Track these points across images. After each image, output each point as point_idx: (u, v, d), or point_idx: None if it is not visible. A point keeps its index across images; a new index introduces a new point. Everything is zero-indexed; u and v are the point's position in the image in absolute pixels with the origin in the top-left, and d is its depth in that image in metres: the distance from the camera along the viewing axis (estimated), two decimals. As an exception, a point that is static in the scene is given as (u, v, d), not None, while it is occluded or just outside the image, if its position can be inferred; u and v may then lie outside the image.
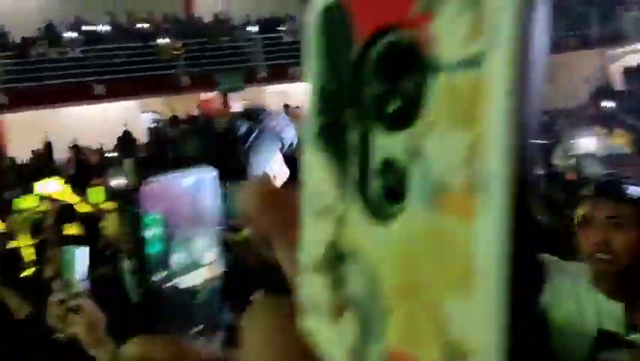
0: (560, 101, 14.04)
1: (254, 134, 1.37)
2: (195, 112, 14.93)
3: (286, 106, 15.65)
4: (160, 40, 14.17)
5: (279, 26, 15.96)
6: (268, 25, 16.10)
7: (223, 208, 0.89)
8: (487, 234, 0.16)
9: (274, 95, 16.68)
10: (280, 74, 15.06)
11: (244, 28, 15.88)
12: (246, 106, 16.81)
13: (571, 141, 4.05)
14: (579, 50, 17.45)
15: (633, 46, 15.46)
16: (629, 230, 1.38)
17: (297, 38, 15.32)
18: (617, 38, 16.36)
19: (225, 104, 15.15)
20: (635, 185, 1.44)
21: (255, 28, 15.74)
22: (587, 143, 3.67)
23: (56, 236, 3.20)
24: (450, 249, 0.17)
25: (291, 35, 15.35)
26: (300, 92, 16.95)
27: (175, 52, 13.98)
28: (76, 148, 12.88)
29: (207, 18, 16.13)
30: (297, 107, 16.19)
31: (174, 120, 14.62)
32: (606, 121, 4.58)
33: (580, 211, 1.46)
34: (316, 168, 0.22)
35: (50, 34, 14.32)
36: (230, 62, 14.57)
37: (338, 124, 0.21)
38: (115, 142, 13.32)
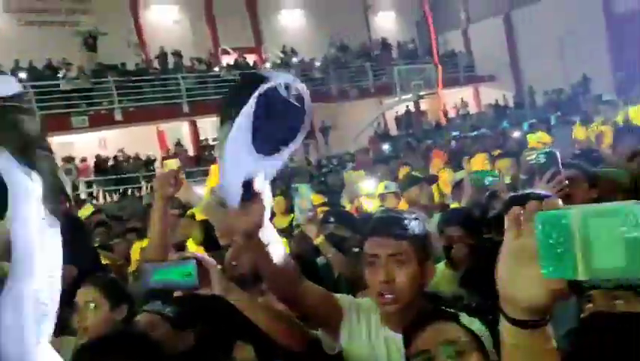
0: (343, 145, 15.08)
1: None
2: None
3: (70, 159, 14.32)
4: None
5: (56, 74, 14.65)
6: (41, 72, 14.68)
7: None
8: None
9: (57, 147, 15.18)
10: (60, 124, 13.76)
11: (13, 75, 14.24)
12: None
13: (357, 183, 4.25)
14: (359, 100, 19.20)
15: (402, 96, 17.41)
16: (410, 266, 1.37)
17: (76, 86, 14.21)
18: (388, 89, 18.31)
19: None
20: (414, 220, 1.43)
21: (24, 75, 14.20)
22: (369, 184, 3.87)
23: None
24: None
25: (70, 83, 14.16)
26: (85, 143, 15.70)
27: None
28: None
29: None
30: (83, 160, 14.94)
31: None
32: (385, 162, 4.95)
33: (366, 250, 1.42)
34: None
35: None
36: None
37: None
38: None
